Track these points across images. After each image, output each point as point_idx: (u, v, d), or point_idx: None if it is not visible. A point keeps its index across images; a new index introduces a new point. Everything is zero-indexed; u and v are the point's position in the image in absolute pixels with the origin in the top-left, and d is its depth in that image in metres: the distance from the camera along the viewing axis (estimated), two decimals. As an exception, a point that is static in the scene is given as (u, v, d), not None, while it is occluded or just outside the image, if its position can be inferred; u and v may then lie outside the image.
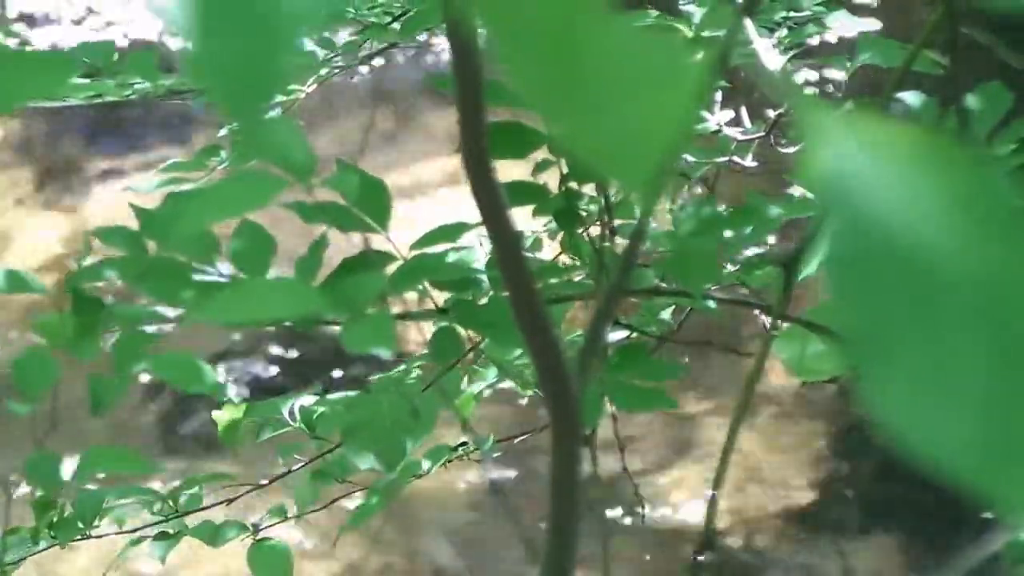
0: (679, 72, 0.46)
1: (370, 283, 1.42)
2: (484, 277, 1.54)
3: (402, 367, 1.65)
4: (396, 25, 1.95)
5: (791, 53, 1.88)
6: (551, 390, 1.18)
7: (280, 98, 1.81)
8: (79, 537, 1.70)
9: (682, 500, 2.89)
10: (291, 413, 1.73)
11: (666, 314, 1.80)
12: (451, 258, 1.49)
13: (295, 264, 1.46)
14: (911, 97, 1.70)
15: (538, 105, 0.48)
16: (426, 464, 1.78)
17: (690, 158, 1.86)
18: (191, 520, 1.80)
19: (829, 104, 1.84)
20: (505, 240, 1.05)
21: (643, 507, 2.66)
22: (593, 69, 0.46)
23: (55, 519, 1.69)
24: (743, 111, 1.95)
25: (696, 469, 2.98)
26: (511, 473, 3.17)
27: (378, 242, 1.52)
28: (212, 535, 1.75)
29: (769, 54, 1.58)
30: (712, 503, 2.49)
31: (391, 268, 1.49)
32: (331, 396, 1.74)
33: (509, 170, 1.56)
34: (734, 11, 1.60)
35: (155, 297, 1.41)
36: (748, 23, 1.53)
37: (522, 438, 2.05)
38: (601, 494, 2.41)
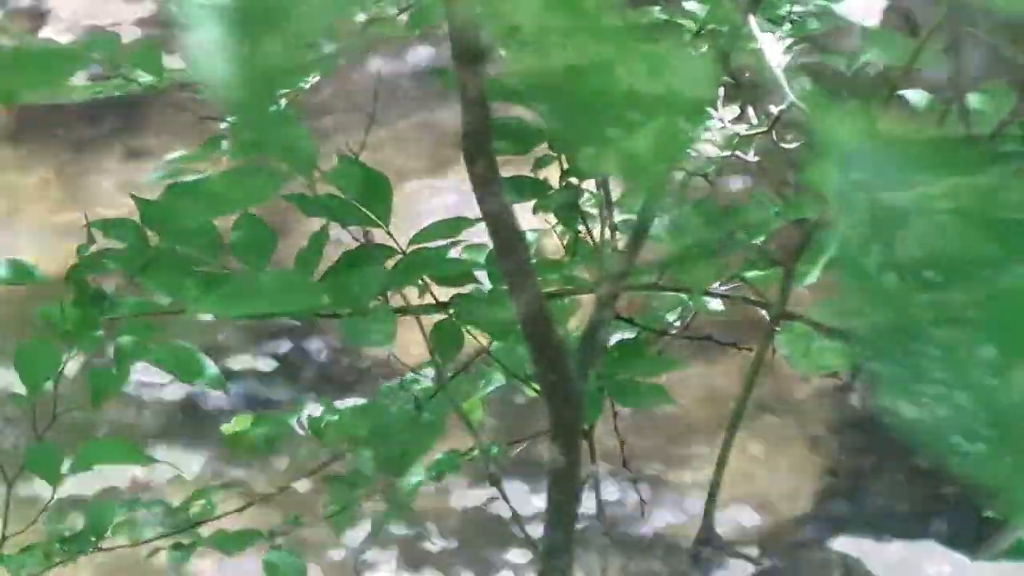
0: (698, 87, 0.47)
1: (371, 278, 1.42)
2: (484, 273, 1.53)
3: (409, 375, 1.64)
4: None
5: (796, 48, 1.87)
6: (550, 383, 1.18)
7: (284, 91, 1.81)
8: (91, 550, 1.69)
9: (681, 495, 2.90)
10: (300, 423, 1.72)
11: (672, 316, 1.80)
12: (453, 254, 1.49)
13: (296, 257, 1.46)
14: (914, 95, 1.70)
15: (562, 131, 0.48)
16: (433, 474, 1.76)
17: (693, 154, 1.86)
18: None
19: (836, 100, 1.83)
20: (505, 236, 1.05)
21: (643, 501, 2.66)
22: (615, 97, 0.46)
23: (67, 532, 1.68)
24: (748, 108, 1.94)
25: (696, 464, 2.98)
26: (510, 467, 3.17)
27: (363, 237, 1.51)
28: (227, 544, 1.73)
29: (773, 49, 1.58)
30: (711, 498, 2.49)
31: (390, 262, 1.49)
32: (339, 404, 1.73)
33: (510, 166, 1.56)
34: (737, 7, 1.60)
35: (157, 290, 1.41)
36: (752, 19, 1.53)
37: (525, 443, 2.05)
38: (600, 488, 2.41)
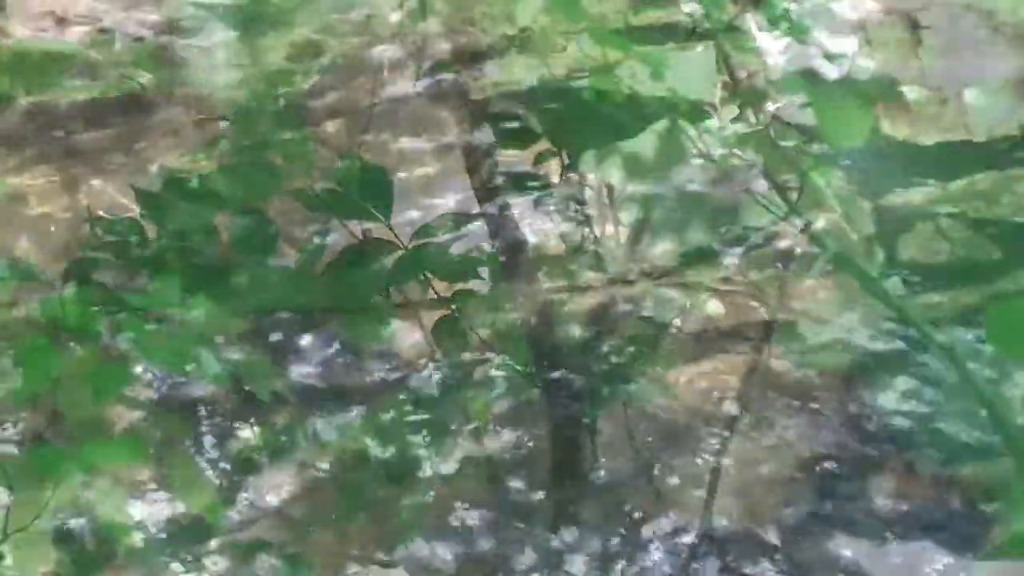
0: (698, 88, 0.47)
1: (373, 274, 1.42)
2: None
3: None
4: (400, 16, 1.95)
5: (795, 44, 1.88)
6: (553, 380, 1.18)
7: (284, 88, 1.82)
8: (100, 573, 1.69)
9: (681, 494, 2.90)
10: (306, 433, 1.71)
11: (674, 314, 1.80)
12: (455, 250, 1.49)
13: (298, 253, 1.46)
14: (912, 91, 1.71)
15: (565, 132, 0.49)
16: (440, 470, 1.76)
17: (694, 153, 1.86)
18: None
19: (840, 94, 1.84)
20: (506, 232, 1.06)
21: (645, 498, 2.66)
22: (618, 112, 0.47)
23: (76, 555, 1.68)
24: (747, 107, 1.95)
25: (695, 462, 2.98)
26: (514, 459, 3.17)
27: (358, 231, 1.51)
28: (236, 555, 1.73)
29: (772, 48, 1.58)
30: (710, 497, 2.49)
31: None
32: (346, 413, 1.73)
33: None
34: (737, 6, 1.60)
35: (158, 285, 1.41)
36: (752, 17, 1.53)
37: (528, 442, 2.05)
38: (604, 482, 2.41)
